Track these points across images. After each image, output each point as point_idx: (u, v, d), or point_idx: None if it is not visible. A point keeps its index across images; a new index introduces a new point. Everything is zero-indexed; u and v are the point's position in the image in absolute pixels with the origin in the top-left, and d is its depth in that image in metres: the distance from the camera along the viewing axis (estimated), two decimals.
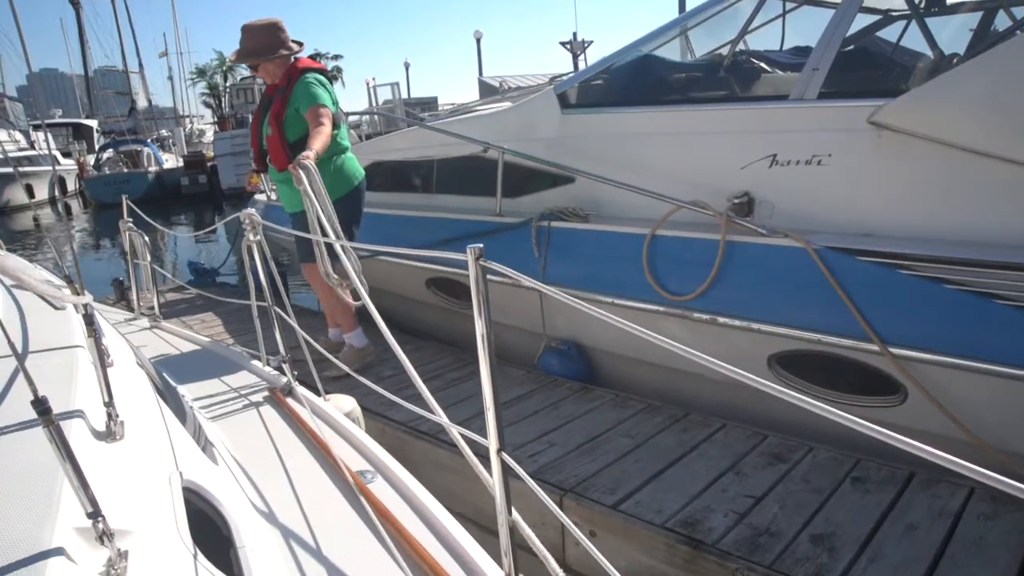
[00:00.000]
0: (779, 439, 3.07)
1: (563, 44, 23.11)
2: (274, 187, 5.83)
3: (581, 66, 23.82)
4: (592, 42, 23.36)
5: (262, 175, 5.20)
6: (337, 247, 2.90)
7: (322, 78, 4.01)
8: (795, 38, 4.03)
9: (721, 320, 3.33)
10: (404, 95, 29.53)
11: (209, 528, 1.34)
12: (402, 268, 4.92)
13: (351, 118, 7.93)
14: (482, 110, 5.34)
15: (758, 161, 3.43)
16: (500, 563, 1.48)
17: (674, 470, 2.87)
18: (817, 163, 3.24)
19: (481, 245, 1.38)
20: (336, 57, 43.24)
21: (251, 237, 2.63)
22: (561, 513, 1.52)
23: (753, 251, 3.26)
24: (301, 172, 3.19)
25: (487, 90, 23.63)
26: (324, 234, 3.01)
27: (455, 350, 4.61)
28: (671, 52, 4.31)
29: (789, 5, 4.11)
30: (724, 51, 4.16)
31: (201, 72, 44.89)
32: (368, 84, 25.75)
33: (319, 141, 3.59)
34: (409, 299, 5.15)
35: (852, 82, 3.31)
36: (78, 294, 1.57)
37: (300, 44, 4.16)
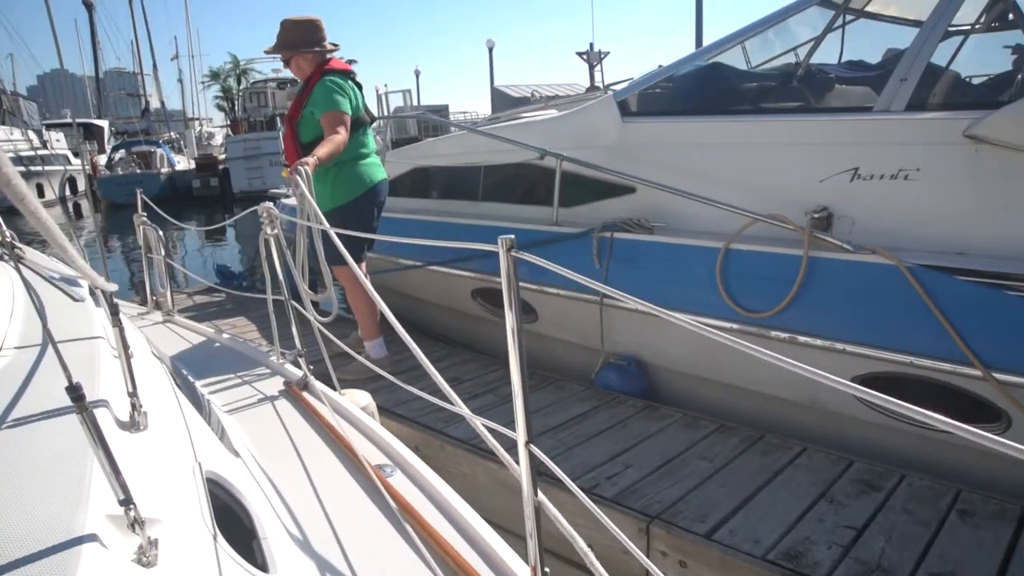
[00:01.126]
0: (866, 464, 2.93)
1: (579, 54, 23.01)
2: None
3: (598, 77, 23.81)
4: (608, 53, 23.26)
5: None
6: (321, 259, 2.74)
7: (341, 81, 3.95)
8: (847, 52, 3.92)
9: (802, 339, 3.19)
10: (414, 103, 29.57)
11: (231, 519, 1.34)
12: (447, 279, 4.79)
13: (379, 123, 7.81)
14: (529, 117, 5.22)
15: (838, 175, 3.30)
16: (526, 558, 1.43)
17: (762, 496, 2.73)
18: (904, 177, 3.11)
19: (512, 236, 1.34)
20: (351, 62, 43.02)
21: (268, 231, 2.60)
22: (617, 530, 1.39)
23: (838, 268, 3.13)
24: (296, 176, 3.08)
25: (502, 98, 23.59)
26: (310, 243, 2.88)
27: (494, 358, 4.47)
28: (731, 63, 4.20)
29: (849, 17, 3.99)
30: (776, 61, 4.05)
31: (215, 75, 44.86)
32: (378, 91, 25.77)
33: (325, 149, 3.58)
34: (453, 311, 5.01)
35: (944, 94, 3.18)
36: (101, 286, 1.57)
37: (336, 46, 4.15)
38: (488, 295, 4.66)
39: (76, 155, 29.13)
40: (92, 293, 2.06)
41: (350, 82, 4.02)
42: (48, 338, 1.13)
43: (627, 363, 3.90)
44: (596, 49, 23.24)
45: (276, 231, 2.62)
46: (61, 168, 26.00)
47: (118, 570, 0.88)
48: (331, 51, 4.10)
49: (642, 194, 4.02)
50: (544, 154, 4.27)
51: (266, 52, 4.33)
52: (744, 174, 3.65)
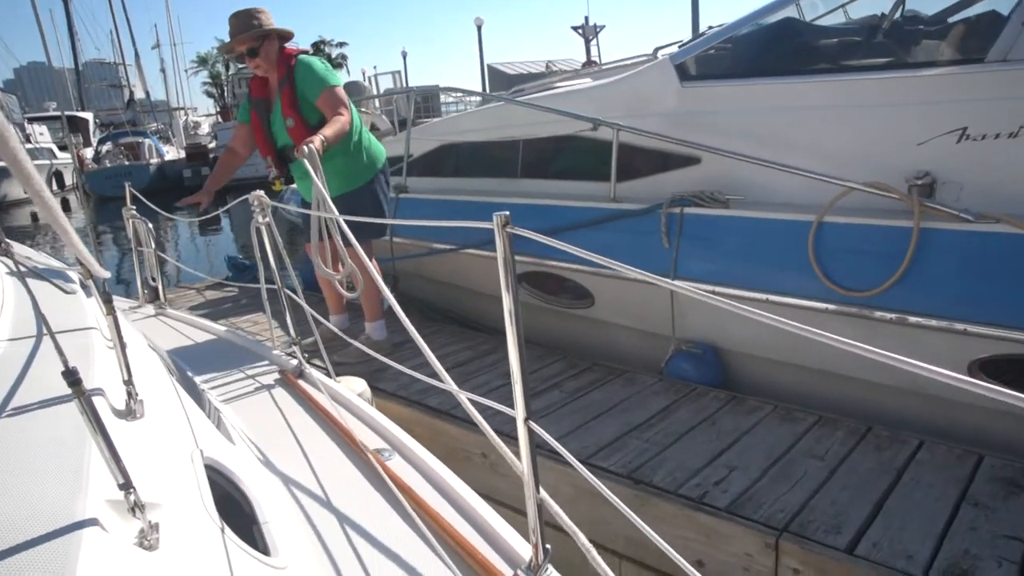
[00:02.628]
0: (1001, 460, 2.62)
1: (575, 29, 22.53)
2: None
3: (594, 52, 23.33)
4: (604, 26, 22.79)
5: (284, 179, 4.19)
6: (337, 240, 2.82)
7: (323, 61, 3.67)
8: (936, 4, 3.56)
9: (912, 320, 2.87)
10: (403, 84, 28.96)
11: (231, 505, 1.33)
12: (487, 263, 4.43)
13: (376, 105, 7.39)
14: (567, 87, 4.85)
15: (943, 136, 2.97)
16: (527, 538, 1.40)
17: (894, 501, 2.41)
18: None
19: (507, 213, 1.27)
20: (341, 44, 42.19)
21: (260, 219, 2.56)
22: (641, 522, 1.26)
23: (955, 239, 2.80)
24: (305, 150, 3.01)
25: (497, 77, 23.14)
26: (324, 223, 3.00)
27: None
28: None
29: None
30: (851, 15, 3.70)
31: (203, 60, 43.55)
32: (364, 73, 25.14)
33: (332, 129, 3.37)
34: (496, 298, 4.64)
35: None
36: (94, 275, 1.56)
37: (291, 33, 3.74)
38: (537, 280, 4.31)
39: (61, 149, 28.46)
40: (83, 286, 2.05)
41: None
42: (45, 327, 1.14)
43: (702, 350, 3.58)
44: (592, 23, 22.76)
45: (268, 219, 2.56)
46: (47, 163, 25.36)
47: (120, 553, 0.88)
48: (289, 37, 3.74)
49: (708, 165, 3.67)
50: (598, 125, 3.90)
51: (223, 52, 3.97)
52: (827, 140, 3.31)
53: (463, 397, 1.55)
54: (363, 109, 6.53)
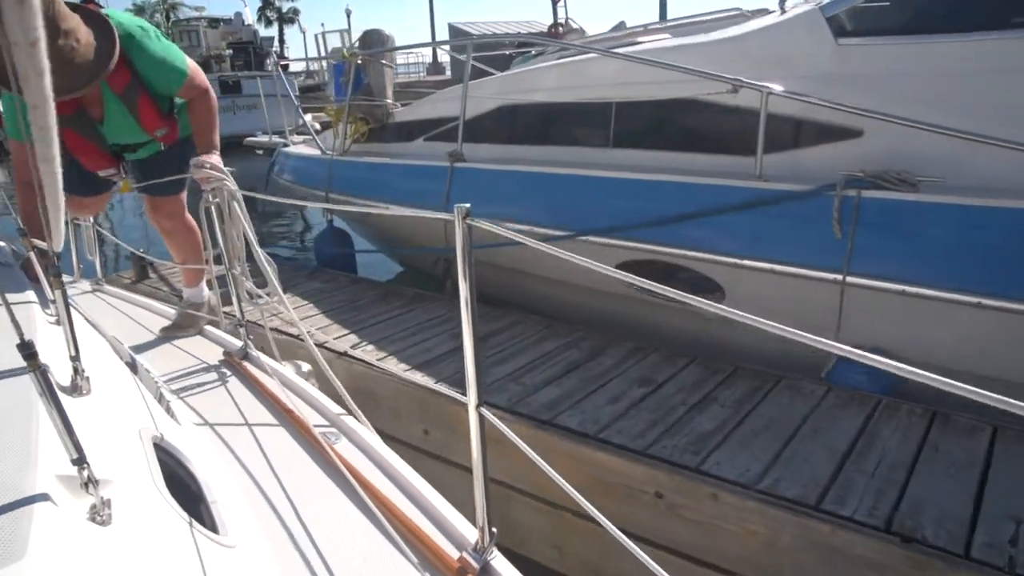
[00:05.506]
0: None
1: None
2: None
3: (561, 14, 22.51)
4: None
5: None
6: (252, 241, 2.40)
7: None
8: None
9: None
10: (349, 44, 27.61)
11: (178, 484, 1.32)
12: (584, 250, 3.78)
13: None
14: (663, 42, 4.21)
15: None
16: (474, 521, 1.41)
17: None
18: None
19: (468, 205, 1.26)
20: (295, 11, 39.79)
21: (210, 199, 2.47)
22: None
23: None
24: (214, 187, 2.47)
25: (461, 37, 22.02)
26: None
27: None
28: None
29: None
30: None
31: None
32: (315, 37, 23.66)
33: (214, 120, 2.71)
34: (589, 290, 4.00)
35: None
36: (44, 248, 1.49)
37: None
38: (643, 269, 3.70)
39: None
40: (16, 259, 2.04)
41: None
42: (1, 299, 1.12)
43: None
44: None
45: (217, 200, 2.47)
46: None
47: (72, 529, 0.88)
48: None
49: (873, 138, 3.13)
50: (739, 86, 3.28)
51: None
52: None
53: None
54: (385, 61, 5.74)
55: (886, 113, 2.97)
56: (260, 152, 9.01)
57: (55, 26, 2.07)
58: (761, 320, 0.87)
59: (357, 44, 5.65)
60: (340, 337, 3.76)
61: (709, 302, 0.99)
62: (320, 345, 3.46)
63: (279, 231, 10.71)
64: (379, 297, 4.37)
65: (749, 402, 2.92)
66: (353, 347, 3.54)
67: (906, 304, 2.91)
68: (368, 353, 3.48)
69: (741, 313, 0.90)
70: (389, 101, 5.57)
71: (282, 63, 8.13)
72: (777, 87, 3.17)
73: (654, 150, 3.80)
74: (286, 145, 6.91)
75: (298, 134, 7.46)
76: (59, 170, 0.94)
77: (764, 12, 4.35)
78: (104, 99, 2.52)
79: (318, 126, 6.81)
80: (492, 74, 5.40)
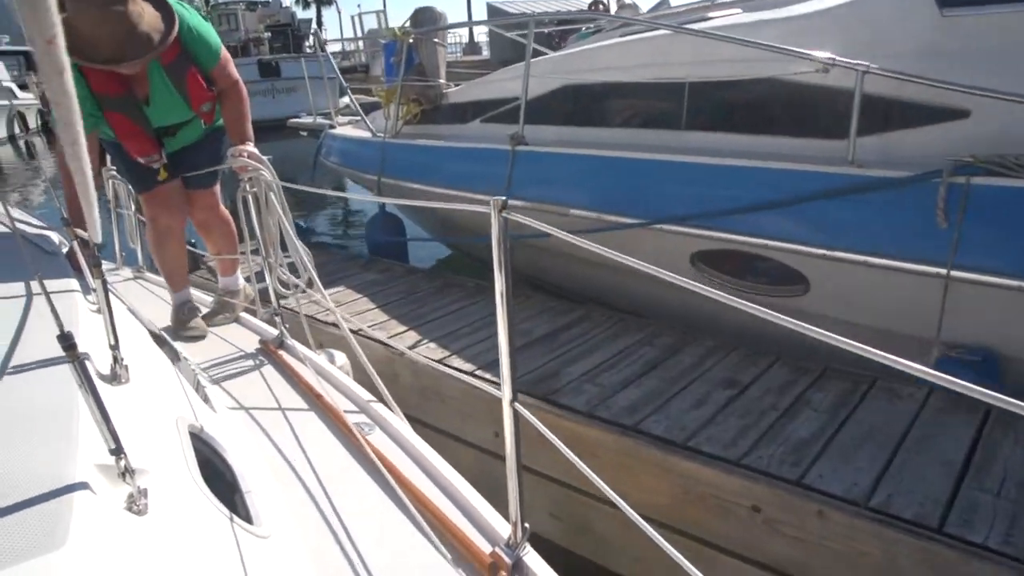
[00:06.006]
0: None
1: None
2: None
3: None
4: None
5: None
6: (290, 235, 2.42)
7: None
8: None
9: None
10: (385, 25, 27.38)
11: (213, 473, 1.33)
12: (655, 238, 3.58)
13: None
14: (737, 17, 3.95)
15: None
16: (507, 516, 1.39)
17: None
18: None
19: (504, 198, 1.21)
20: None
21: (247, 188, 2.46)
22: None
23: None
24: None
25: (498, 16, 21.65)
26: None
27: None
28: None
29: None
30: None
31: None
32: (341, 15, 23.52)
33: (246, 111, 2.75)
34: (657, 281, 3.79)
35: None
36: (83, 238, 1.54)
37: None
38: (718, 259, 3.49)
39: (23, 88, 26.44)
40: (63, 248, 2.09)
41: None
42: (40, 288, 1.18)
43: (980, 357, 2.81)
44: None
45: (255, 189, 2.45)
46: (7, 103, 23.44)
47: (110, 518, 0.89)
48: None
49: (981, 120, 2.86)
50: (830, 66, 3.03)
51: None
52: None
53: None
54: (436, 40, 5.55)
55: (997, 90, 2.71)
56: (304, 134, 8.92)
57: None
58: (769, 312, 0.87)
59: (408, 23, 5.45)
60: (400, 333, 3.62)
61: (713, 290, 0.99)
62: (380, 342, 3.33)
63: (326, 213, 10.59)
64: (437, 289, 4.22)
65: (845, 407, 2.71)
66: (415, 345, 3.41)
67: (1019, 301, 2.66)
68: (432, 350, 3.34)
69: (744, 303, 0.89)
70: (442, 81, 5.39)
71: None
72: (874, 65, 2.92)
73: (731, 133, 3.57)
74: (332, 127, 6.79)
75: (342, 115, 7.34)
76: (87, 159, 0.97)
77: None
78: (150, 77, 2.53)
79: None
80: (544, 54, 5.18)
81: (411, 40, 5.26)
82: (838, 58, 2.99)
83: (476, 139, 4.69)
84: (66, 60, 0.74)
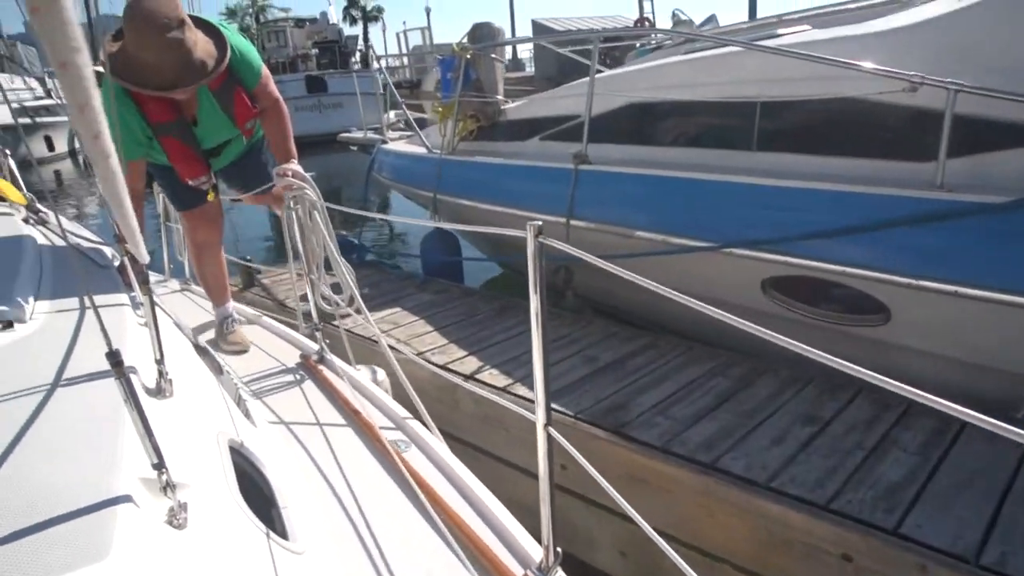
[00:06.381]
0: None
1: None
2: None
3: (647, 6, 21.85)
4: None
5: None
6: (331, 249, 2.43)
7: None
8: None
9: None
10: (430, 42, 27.56)
11: (251, 487, 1.35)
12: (724, 263, 3.44)
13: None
14: (818, 33, 3.81)
15: None
16: (539, 539, 1.42)
17: None
18: None
19: (540, 223, 1.29)
20: (379, 10, 40.31)
21: (292, 205, 2.47)
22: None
23: None
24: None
25: (545, 34, 21.65)
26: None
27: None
28: None
29: None
30: None
31: (232, 12, 41.71)
32: (386, 32, 23.77)
33: (289, 128, 2.75)
34: (724, 305, 3.64)
35: None
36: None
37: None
38: (791, 286, 3.35)
39: None
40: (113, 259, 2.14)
41: None
42: (90, 303, 1.24)
43: None
44: None
45: (300, 207, 2.47)
46: (68, 119, 24.25)
47: (152, 531, 0.90)
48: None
49: None
50: (918, 85, 2.88)
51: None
52: None
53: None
54: (494, 56, 5.51)
55: None
56: (354, 148, 8.97)
57: (181, 19, 2.25)
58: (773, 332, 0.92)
59: (465, 39, 5.41)
60: (461, 358, 3.54)
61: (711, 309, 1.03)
62: (439, 366, 3.25)
63: (376, 227, 10.57)
64: (496, 312, 4.13)
65: (937, 447, 2.55)
66: (477, 371, 3.32)
67: None
68: (494, 377, 3.25)
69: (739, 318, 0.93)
70: (500, 97, 5.33)
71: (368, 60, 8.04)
72: (967, 84, 2.76)
73: (805, 154, 3.42)
74: (384, 142, 6.79)
75: (393, 131, 7.35)
76: (123, 185, 1.03)
77: None
78: (199, 99, 2.56)
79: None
80: (600, 70, 5.09)
81: (468, 56, 5.21)
82: (928, 77, 2.84)
83: (536, 157, 4.61)
84: (95, 91, 0.78)
